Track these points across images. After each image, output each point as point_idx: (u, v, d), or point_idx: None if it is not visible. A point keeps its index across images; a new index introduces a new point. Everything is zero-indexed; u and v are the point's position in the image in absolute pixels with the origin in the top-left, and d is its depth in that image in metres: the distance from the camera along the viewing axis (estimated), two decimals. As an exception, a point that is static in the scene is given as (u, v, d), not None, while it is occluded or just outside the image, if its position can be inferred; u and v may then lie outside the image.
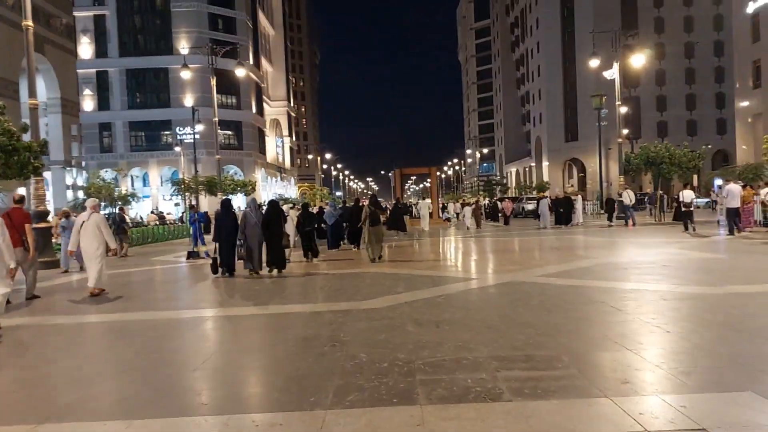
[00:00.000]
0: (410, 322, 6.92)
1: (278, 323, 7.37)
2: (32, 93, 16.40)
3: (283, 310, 8.23)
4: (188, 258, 17.74)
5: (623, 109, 53.13)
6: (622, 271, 10.95)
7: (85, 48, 62.73)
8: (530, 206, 43.15)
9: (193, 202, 39.42)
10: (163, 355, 5.89)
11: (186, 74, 37.03)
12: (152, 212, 48.34)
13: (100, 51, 63.06)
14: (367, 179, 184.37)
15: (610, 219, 28.09)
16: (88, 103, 62.90)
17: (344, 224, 19.67)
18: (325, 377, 4.85)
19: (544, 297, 8.32)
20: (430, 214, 35.19)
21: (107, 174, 61.38)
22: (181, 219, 39.37)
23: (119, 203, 42.67)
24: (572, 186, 74.44)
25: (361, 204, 18.84)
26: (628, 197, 26.61)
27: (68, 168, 42.69)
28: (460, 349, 5.56)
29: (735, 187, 19.28)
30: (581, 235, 21.71)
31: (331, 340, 6.19)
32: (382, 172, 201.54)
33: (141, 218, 44.20)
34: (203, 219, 19.59)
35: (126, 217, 23.47)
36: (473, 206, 33.98)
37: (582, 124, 73.37)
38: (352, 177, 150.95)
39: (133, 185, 62.13)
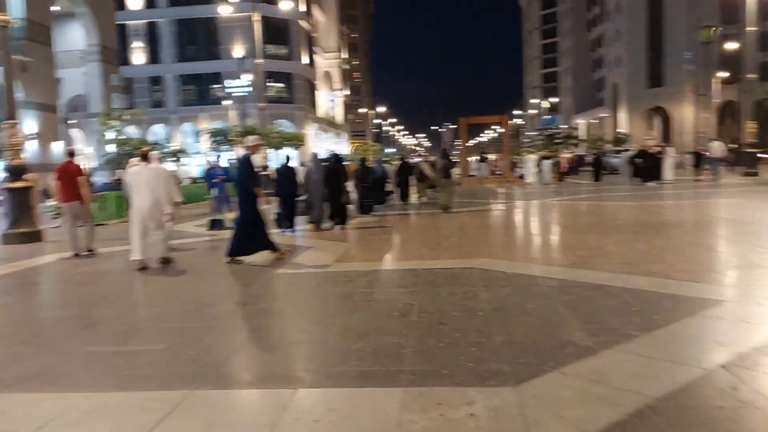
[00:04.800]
0: None
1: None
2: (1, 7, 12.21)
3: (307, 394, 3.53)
4: (211, 228, 13.52)
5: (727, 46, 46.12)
6: None
7: (134, -3, 59.21)
8: (616, 160, 38.79)
9: (217, 158, 35.12)
10: None
11: (226, 9, 32.73)
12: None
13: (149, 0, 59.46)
14: (417, 135, 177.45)
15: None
16: (138, 56, 59.69)
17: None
18: None
19: None
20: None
21: (158, 129, 58.97)
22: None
23: (172, 159, 39.13)
24: (653, 138, 67.21)
25: (406, 161, 22.36)
26: (719, 149, 25.91)
27: (122, 123, 38.84)
28: None
29: None
30: (730, 198, 16.48)
31: None
32: (432, 128, 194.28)
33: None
34: (230, 176, 14.83)
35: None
36: (554, 160, 32.15)
37: (668, 67, 65.42)
38: (404, 133, 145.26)
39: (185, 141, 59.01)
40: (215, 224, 13.67)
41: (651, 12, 67.80)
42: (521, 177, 35.41)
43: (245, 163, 8.93)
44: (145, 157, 8.90)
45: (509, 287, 6.26)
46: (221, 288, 7.25)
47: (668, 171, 25.59)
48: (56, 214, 16.73)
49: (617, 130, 70.85)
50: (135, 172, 8.71)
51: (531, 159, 33.49)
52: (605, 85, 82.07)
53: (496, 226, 13.43)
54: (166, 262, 8.80)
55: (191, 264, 8.99)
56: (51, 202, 17.63)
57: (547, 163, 31.41)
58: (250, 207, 8.70)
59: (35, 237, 12.70)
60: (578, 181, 31.61)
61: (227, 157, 39.46)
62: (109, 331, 5.36)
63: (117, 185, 23.40)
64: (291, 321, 5.52)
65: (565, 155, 42.89)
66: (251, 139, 9.45)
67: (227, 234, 12.77)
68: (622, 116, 72.89)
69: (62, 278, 8.76)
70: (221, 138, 41.17)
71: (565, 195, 21.20)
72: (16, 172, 12.53)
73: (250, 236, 8.69)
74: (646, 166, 25.28)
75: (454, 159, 41.54)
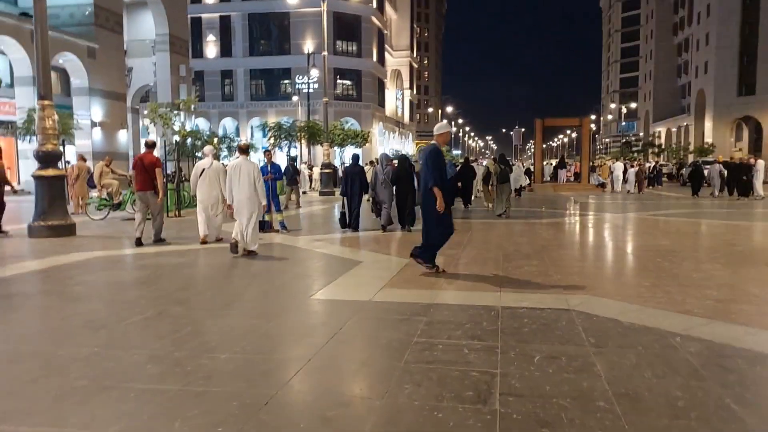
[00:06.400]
0: None
1: None
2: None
3: None
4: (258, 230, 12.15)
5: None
6: None
7: (209, -10, 59.62)
8: (704, 171, 35.63)
9: (295, 152, 33.74)
10: None
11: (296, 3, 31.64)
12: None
13: (224, -8, 59.69)
14: (486, 137, 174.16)
15: None
16: (211, 49, 60.15)
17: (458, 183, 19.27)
18: None
19: None
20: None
21: (228, 122, 59.14)
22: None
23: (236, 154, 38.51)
24: (740, 150, 62.26)
25: (471, 163, 21.64)
26: None
27: (176, 111, 38.45)
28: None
29: None
30: None
31: None
32: (503, 130, 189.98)
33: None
34: (279, 174, 13.27)
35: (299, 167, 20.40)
36: (636, 169, 30.20)
37: (762, 74, 60.52)
38: (471, 134, 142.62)
39: (252, 136, 58.98)
40: (261, 225, 12.23)
41: (745, 15, 62.86)
42: (601, 185, 32.89)
43: (433, 155, 7.38)
44: (244, 150, 9.44)
45: (633, 351, 4.30)
46: (232, 323, 5.55)
47: (759, 185, 23.76)
48: (101, 206, 15.79)
49: (702, 140, 66.25)
50: (235, 165, 9.14)
51: (619, 166, 31.08)
52: (689, 92, 77.12)
53: (588, 244, 11.35)
54: (252, 253, 9.15)
55: (215, 280, 7.46)
56: (95, 193, 16.74)
57: (632, 171, 28.99)
58: (445, 206, 7.30)
59: (66, 231, 11.61)
60: (662, 193, 29.10)
61: (285, 154, 38.48)
62: (54, 384, 3.79)
63: (171, 178, 22.45)
64: (307, 395, 3.76)
65: (647, 164, 40.20)
66: (439, 127, 7.71)
67: (273, 237, 11.44)
68: (707, 125, 68.09)
69: (62, 289, 7.34)
70: (282, 133, 40.20)
71: (657, 209, 18.80)
72: (46, 159, 11.44)
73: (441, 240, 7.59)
74: (747, 180, 23.42)
75: (524, 164, 39.49)
